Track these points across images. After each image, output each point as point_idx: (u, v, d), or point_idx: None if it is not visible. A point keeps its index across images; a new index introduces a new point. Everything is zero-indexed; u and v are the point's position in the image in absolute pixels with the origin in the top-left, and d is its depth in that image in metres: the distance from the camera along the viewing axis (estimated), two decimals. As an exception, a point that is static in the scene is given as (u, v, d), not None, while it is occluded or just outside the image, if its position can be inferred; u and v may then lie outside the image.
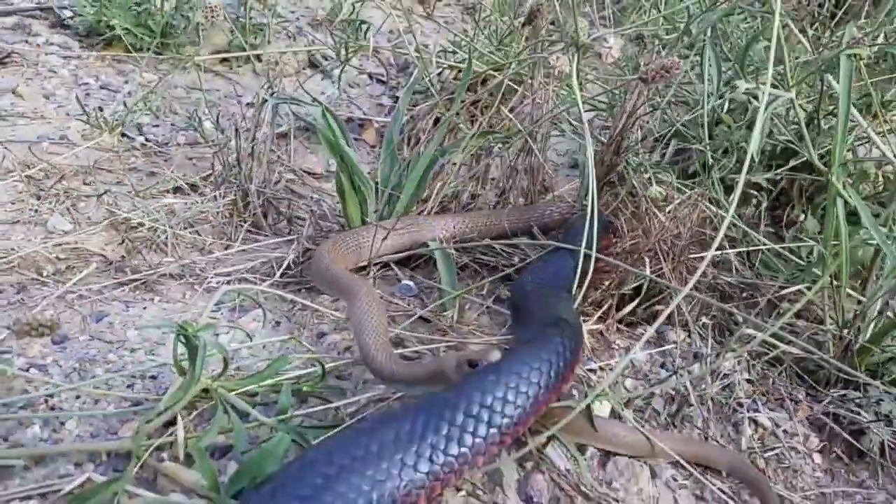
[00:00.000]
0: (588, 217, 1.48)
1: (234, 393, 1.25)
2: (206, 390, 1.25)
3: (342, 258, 1.58)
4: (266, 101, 1.97)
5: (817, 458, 1.49)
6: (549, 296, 1.49)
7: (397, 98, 2.88)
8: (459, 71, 2.41)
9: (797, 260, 1.81)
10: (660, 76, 1.44)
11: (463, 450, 1.06)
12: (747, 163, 1.35)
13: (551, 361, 1.19)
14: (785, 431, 1.49)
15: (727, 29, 1.76)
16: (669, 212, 1.64)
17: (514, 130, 1.86)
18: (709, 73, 1.66)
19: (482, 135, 1.81)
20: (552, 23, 1.74)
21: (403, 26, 2.83)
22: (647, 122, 1.73)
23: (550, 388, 1.18)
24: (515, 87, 2.06)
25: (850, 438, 1.50)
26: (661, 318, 1.28)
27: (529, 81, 1.86)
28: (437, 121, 2.57)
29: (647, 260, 1.55)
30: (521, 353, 1.21)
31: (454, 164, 1.86)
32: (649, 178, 1.66)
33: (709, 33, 1.58)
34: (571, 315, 1.40)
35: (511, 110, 1.91)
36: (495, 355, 1.17)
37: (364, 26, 2.50)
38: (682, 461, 1.32)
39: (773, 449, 1.46)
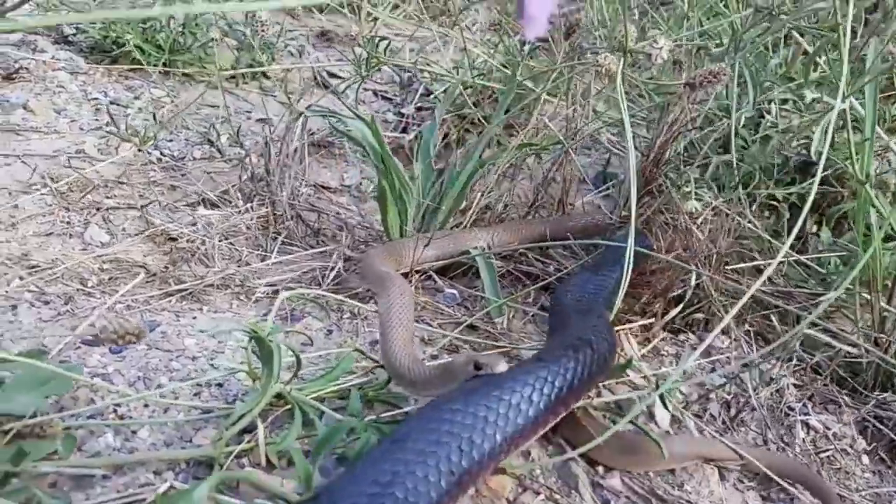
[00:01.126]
0: (629, 232, 1.48)
1: (306, 395, 1.24)
2: (278, 395, 1.23)
3: (393, 260, 1.59)
4: (301, 114, 1.97)
5: (865, 459, 1.52)
6: (583, 312, 1.46)
7: (403, 114, 2.90)
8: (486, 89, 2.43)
9: (819, 269, 1.86)
10: (707, 82, 1.48)
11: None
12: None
13: (552, 383, 1.16)
14: (834, 434, 1.52)
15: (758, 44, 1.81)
16: (705, 225, 1.67)
17: (551, 141, 1.88)
18: (744, 82, 1.71)
19: (521, 146, 1.83)
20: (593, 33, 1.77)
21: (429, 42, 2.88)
22: (691, 133, 1.77)
23: (545, 411, 1.14)
24: (551, 99, 2.09)
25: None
26: (727, 320, 1.30)
27: (564, 94, 1.89)
28: (448, 134, 2.62)
29: (693, 268, 1.58)
30: (519, 372, 1.17)
31: (493, 175, 1.88)
32: (688, 193, 1.69)
33: (747, 46, 1.62)
34: (599, 335, 1.32)
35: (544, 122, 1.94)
36: (501, 366, 1.16)
37: (384, 42, 2.52)
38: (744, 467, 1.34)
39: (825, 451, 1.48)
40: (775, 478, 1.31)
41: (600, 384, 1.37)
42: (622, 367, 1.38)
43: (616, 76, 1.39)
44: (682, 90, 1.52)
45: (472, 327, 1.60)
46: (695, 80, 1.47)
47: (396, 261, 1.63)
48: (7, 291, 1.50)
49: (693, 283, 1.58)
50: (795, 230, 1.29)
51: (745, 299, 1.35)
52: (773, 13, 1.55)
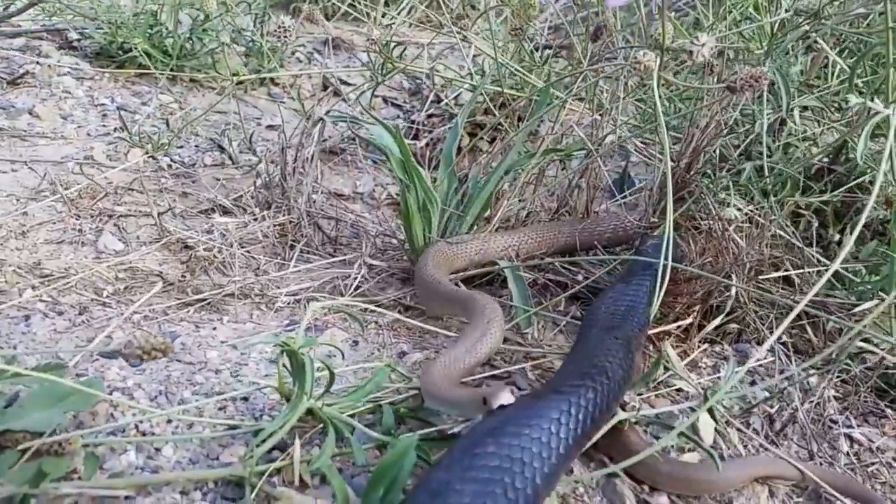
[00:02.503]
0: (665, 240, 1.43)
1: (337, 410, 1.18)
2: (309, 411, 1.17)
3: (445, 267, 1.56)
4: (321, 119, 1.91)
5: (910, 474, 1.47)
6: (608, 333, 1.36)
7: (413, 121, 2.85)
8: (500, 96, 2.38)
9: (852, 277, 1.81)
10: (748, 85, 1.43)
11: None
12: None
13: (555, 433, 1.05)
14: (878, 448, 1.47)
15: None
16: (739, 233, 1.62)
17: (576, 147, 1.83)
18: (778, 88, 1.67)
19: (546, 152, 1.78)
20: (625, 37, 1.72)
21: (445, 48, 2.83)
22: (724, 137, 1.72)
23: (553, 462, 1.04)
24: (573, 108, 2.04)
25: (941, 453, 1.48)
26: (778, 333, 1.25)
27: (589, 101, 1.84)
28: (461, 141, 2.57)
29: (732, 278, 1.53)
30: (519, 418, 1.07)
31: (518, 182, 1.82)
32: (725, 199, 1.64)
33: (786, 50, 1.58)
34: (617, 365, 1.22)
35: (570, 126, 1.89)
36: (507, 398, 1.08)
37: (400, 48, 2.47)
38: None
39: (870, 465, 1.43)
40: (836, 495, 1.26)
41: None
42: (644, 377, 1.33)
43: (653, 73, 1.34)
44: (721, 93, 1.47)
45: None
46: (735, 84, 1.42)
47: (447, 266, 1.58)
48: (20, 301, 1.44)
49: (734, 292, 1.52)
50: (852, 238, 1.24)
51: (795, 312, 1.30)
52: (815, 15, 1.50)
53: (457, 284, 1.65)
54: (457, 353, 1.31)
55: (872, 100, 1.61)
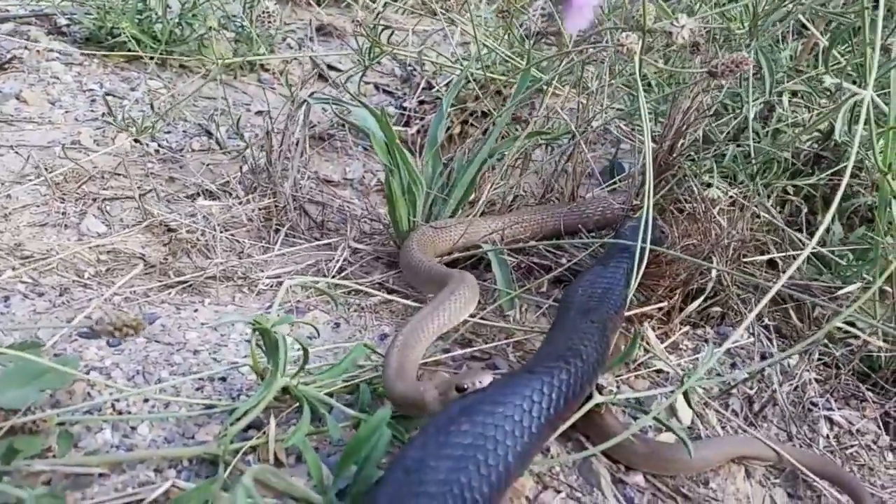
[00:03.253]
0: (644, 222, 1.42)
1: (314, 389, 1.18)
2: (285, 390, 1.17)
3: (430, 249, 1.56)
4: (305, 101, 1.91)
5: (890, 455, 1.47)
6: (584, 316, 1.35)
7: (404, 108, 2.85)
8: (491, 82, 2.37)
9: (839, 261, 1.81)
10: (729, 70, 1.42)
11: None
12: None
13: (527, 411, 1.05)
14: (858, 430, 1.47)
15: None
16: (723, 216, 1.62)
17: (561, 131, 1.83)
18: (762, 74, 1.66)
19: (531, 135, 1.78)
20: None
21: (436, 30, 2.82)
22: (705, 122, 1.71)
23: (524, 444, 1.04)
24: (558, 91, 2.03)
25: (922, 436, 1.48)
26: (752, 315, 1.25)
27: (574, 85, 1.84)
28: (450, 127, 2.56)
29: (714, 260, 1.53)
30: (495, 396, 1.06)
31: (503, 166, 1.82)
32: (707, 181, 1.64)
33: (766, 33, 1.57)
34: (592, 348, 1.21)
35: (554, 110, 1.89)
36: (485, 379, 1.08)
37: (386, 31, 2.46)
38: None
39: (849, 447, 1.43)
40: (812, 477, 1.26)
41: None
42: (620, 359, 1.32)
43: (635, 56, 1.33)
44: (702, 77, 1.46)
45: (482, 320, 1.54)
46: (717, 68, 1.41)
47: (432, 249, 1.58)
48: (-1, 282, 1.44)
49: (714, 274, 1.52)
50: (828, 219, 1.24)
51: (771, 293, 1.30)
52: (797, -5, 1.50)
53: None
54: (414, 324, 1.29)
55: (855, 82, 1.61)
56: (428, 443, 0.99)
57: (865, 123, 1.72)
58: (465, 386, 1.09)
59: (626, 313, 1.43)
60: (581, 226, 1.79)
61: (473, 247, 1.73)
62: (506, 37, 2.49)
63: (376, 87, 3.13)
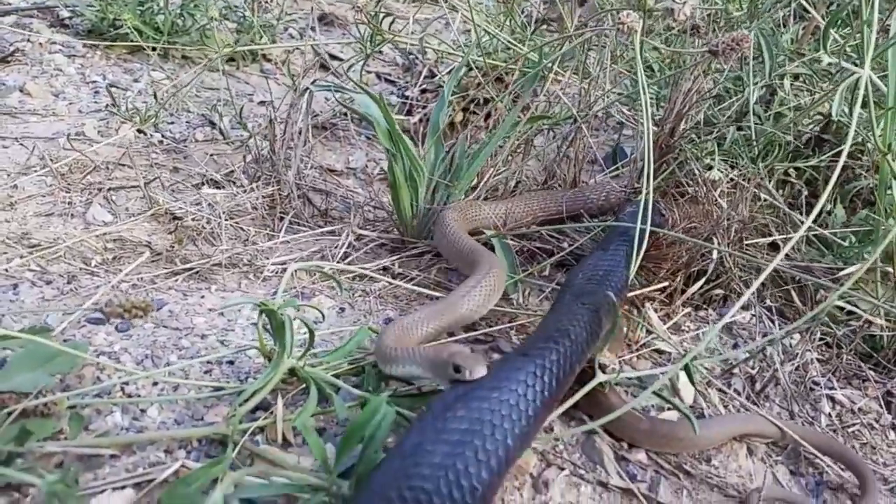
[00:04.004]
0: (643, 205, 1.42)
1: (321, 372, 1.20)
2: (292, 372, 1.19)
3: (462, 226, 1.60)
4: (308, 89, 1.92)
5: (892, 434, 1.48)
6: (578, 300, 1.34)
7: (407, 97, 2.85)
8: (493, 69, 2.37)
9: (841, 242, 1.82)
10: (730, 49, 1.43)
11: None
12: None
13: (522, 395, 1.05)
14: (860, 409, 1.48)
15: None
16: (723, 198, 1.63)
17: (563, 116, 1.84)
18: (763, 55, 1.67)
19: (532, 119, 1.79)
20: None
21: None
22: (706, 104, 1.72)
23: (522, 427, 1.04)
24: (559, 76, 2.04)
25: (924, 414, 1.49)
26: (749, 292, 1.26)
27: (575, 70, 1.84)
28: (452, 115, 2.57)
29: (716, 241, 1.54)
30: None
31: (504, 152, 1.83)
32: (708, 165, 1.65)
33: (766, 13, 1.58)
34: (580, 328, 1.21)
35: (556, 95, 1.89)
36: (480, 370, 1.06)
37: (388, 18, 2.46)
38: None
39: (851, 426, 1.44)
40: (815, 453, 1.28)
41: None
42: (607, 336, 1.31)
43: (636, 35, 1.34)
44: (702, 59, 1.47)
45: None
46: (717, 47, 1.42)
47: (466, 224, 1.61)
48: (7, 270, 1.45)
49: (715, 256, 1.53)
50: (823, 198, 1.24)
51: (768, 271, 1.30)
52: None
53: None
54: (426, 314, 1.30)
55: (855, 64, 1.61)
56: (425, 428, 1.00)
57: (864, 105, 1.73)
58: (462, 368, 1.07)
59: (629, 294, 1.44)
60: (584, 210, 1.80)
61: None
62: (507, 23, 2.49)
63: (378, 76, 3.13)
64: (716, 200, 1.60)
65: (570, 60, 2.01)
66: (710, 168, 1.64)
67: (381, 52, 3.15)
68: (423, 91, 2.89)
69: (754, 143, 1.79)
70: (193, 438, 1.10)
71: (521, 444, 1.04)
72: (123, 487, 1.02)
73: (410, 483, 0.89)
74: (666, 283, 1.56)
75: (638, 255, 1.36)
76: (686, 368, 1.21)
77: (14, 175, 1.87)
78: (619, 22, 1.28)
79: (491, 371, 1.07)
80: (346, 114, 2.60)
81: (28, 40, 2.70)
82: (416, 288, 1.55)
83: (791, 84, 1.97)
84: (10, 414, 1.08)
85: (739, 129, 1.82)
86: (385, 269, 1.68)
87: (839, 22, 1.93)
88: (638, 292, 1.51)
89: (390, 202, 1.82)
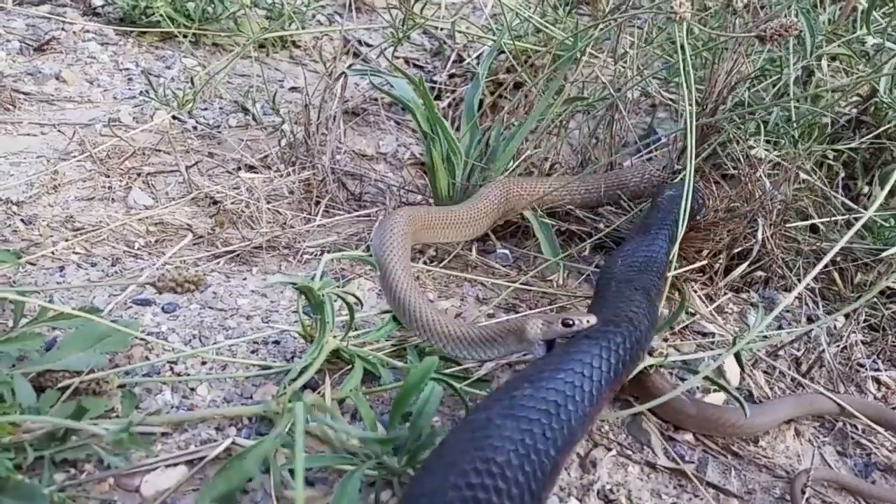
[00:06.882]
0: (685, 188, 1.40)
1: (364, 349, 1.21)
2: (335, 352, 1.19)
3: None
4: (343, 74, 1.92)
5: (938, 416, 1.46)
6: (628, 284, 1.33)
7: (435, 82, 2.84)
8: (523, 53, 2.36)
9: (882, 223, 1.79)
10: (779, 35, 1.41)
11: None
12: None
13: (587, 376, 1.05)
14: (905, 390, 1.46)
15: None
16: (770, 178, 1.61)
17: (599, 96, 1.82)
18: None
19: (569, 101, 1.77)
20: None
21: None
22: (752, 85, 1.70)
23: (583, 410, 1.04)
24: (593, 60, 2.02)
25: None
26: (807, 280, 1.25)
27: (611, 52, 1.82)
28: (483, 99, 2.55)
29: (759, 223, 1.52)
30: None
31: (536, 134, 1.82)
32: (750, 146, 1.63)
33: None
34: (640, 314, 1.20)
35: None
36: (591, 319, 1.10)
37: (420, 3, 2.45)
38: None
39: (897, 407, 1.43)
40: (873, 425, 1.26)
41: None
42: (668, 322, 1.32)
43: (684, 23, 1.32)
44: (745, 41, 1.45)
45: (525, 286, 1.55)
46: (766, 33, 1.40)
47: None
48: (54, 252, 1.47)
49: (760, 236, 1.51)
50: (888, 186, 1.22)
51: (828, 258, 1.28)
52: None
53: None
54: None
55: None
56: (492, 405, 1.00)
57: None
58: (572, 322, 1.09)
59: (669, 275, 1.43)
60: (622, 193, 1.78)
61: (510, 213, 1.73)
62: (538, 6, 2.47)
63: (406, 61, 3.12)
64: (759, 179, 1.58)
65: (605, 42, 1.99)
66: (752, 148, 1.62)
67: (408, 37, 3.14)
68: (451, 76, 2.88)
69: (794, 123, 1.77)
70: (244, 416, 1.11)
71: (585, 425, 1.04)
72: (176, 465, 1.04)
73: (484, 454, 0.89)
74: (704, 263, 1.55)
75: (679, 237, 1.35)
76: (736, 354, 1.20)
77: (54, 161, 1.89)
78: (672, 11, 1.27)
79: (556, 352, 1.08)
80: (376, 99, 2.60)
81: (63, 29, 2.72)
82: (449, 272, 1.55)
83: (828, 65, 1.94)
84: (63, 391, 1.10)
85: (780, 109, 1.79)
86: (420, 251, 1.68)
87: (881, 2, 1.90)
88: (677, 272, 1.50)
89: (424, 185, 1.82)
